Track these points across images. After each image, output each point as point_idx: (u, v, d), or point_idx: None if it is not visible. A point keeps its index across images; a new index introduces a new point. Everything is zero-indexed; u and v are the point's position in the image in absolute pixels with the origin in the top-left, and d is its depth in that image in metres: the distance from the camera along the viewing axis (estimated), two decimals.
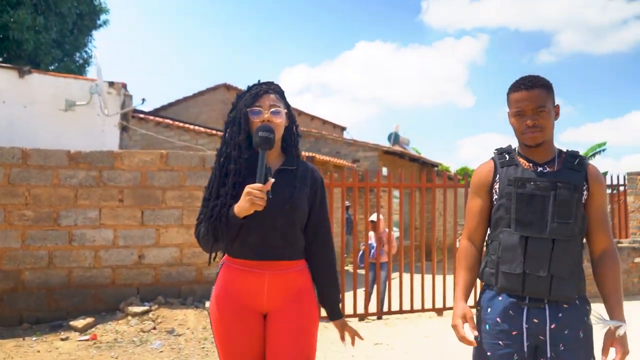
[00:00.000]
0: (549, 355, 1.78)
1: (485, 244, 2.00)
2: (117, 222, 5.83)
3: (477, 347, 1.86)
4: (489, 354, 1.84)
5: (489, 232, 1.98)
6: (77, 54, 17.74)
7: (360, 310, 6.93)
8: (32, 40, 14.41)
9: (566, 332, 1.78)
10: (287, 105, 2.06)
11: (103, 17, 17.93)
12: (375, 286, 7.28)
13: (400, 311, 6.99)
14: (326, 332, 5.79)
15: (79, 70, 16.89)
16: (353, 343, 2.08)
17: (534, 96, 1.82)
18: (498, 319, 1.84)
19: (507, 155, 1.93)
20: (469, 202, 2.03)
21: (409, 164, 15.58)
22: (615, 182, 9.39)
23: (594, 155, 18.96)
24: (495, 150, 2.00)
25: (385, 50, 79.91)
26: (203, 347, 4.85)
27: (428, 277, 7.24)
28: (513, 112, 1.87)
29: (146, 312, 5.48)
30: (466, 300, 1.91)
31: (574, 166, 1.86)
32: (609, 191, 9.91)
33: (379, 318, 6.92)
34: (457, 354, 4.95)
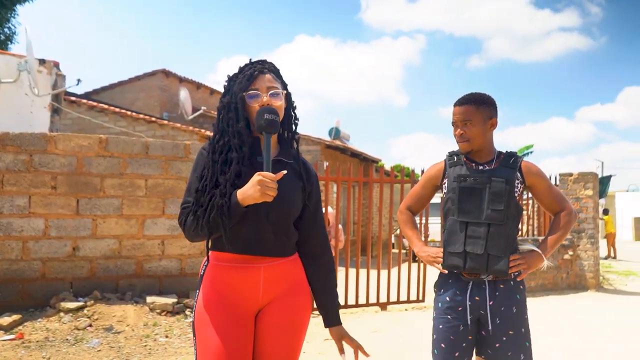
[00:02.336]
0: (489, 327, 2.17)
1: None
2: (49, 210, 5.38)
3: (434, 322, 2.28)
4: (440, 327, 2.23)
5: (442, 222, 2.38)
6: None
7: None
8: None
9: (502, 308, 2.16)
10: (285, 85, 1.89)
11: None
12: None
13: (346, 306, 6.96)
14: None
15: (1, 46, 15.65)
16: (357, 358, 1.93)
17: (463, 111, 2.21)
18: (447, 298, 2.23)
19: (455, 157, 2.31)
20: (415, 187, 2.45)
21: (350, 159, 15.65)
22: None
23: (522, 157, 19.97)
24: (447, 153, 2.35)
25: (324, 45, 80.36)
26: (145, 345, 4.56)
27: (373, 272, 7.25)
28: (451, 122, 2.26)
29: (81, 308, 5.09)
30: (426, 244, 2.39)
31: (509, 164, 2.23)
32: None
33: None
34: (408, 348, 4.97)
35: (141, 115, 11.43)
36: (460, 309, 2.19)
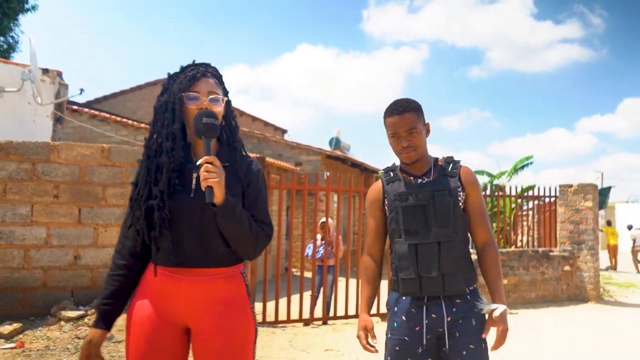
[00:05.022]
0: (447, 344, 2.01)
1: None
2: (51, 219, 5.39)
3: (388, 342, 2.10)
4: (397, 348, 2.06)
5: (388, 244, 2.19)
6: (2, 39, 16.54)
7: (306, 315, 6.84)
8: None
9: (460, 321, 2.01)
10: (226, 92, 1.83)
11: (32, 1, 16.88)
12: (321, 290, 7.21)
13: (346, 316, 6.96)
14: (274, 337, 5.64)
15: (3, 55, 15.74)
16: None
17: (405, 120, 2.04)
18: (403, 317, 2.06)
19: (391, 173, 2.16)
20: (368, 221, 2.24)
21: (350, 169, 15.68)
22: (542, 194, 9.87)
23: (522, 167, 19.89)
24: (382, 169, 2.22)
25: (326, 55, 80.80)
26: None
27: None
28: (389, 134, 2.08)
29: (81, 317, 5.09)
30: (368, 312, 2.15)
31: (448, 172, 2.09)
32: (536, 202, 10.42)
33: (325, 323, 6.85)
34: None
35: (143, 125, 11.48)
36: (417, 328, 2.03)
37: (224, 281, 1.70)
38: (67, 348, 4.57)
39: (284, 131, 21.53)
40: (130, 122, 11.53)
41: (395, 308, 2.10)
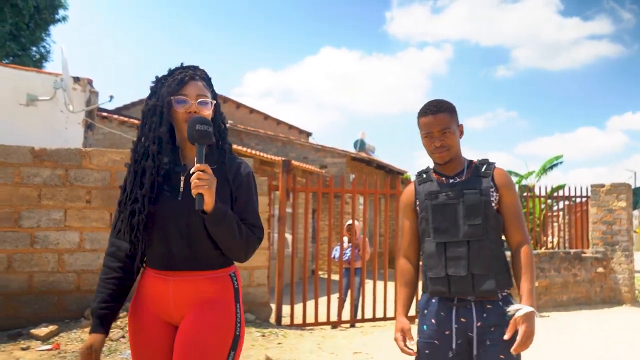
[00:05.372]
0: (476, 350, 1.97)
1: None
2: (84, 224, 5.52)
3: (418, 346, 2.08)
4: (427, 352, 2.04)
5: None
6: (34, 49, 17.03)
7: (334, 317, 6.84)
8: None
9: (492, 329, 1.95)
10: (214, 95, 1.81)
11: (62, 12, 17.34)
12: (349, 292, 7.20)
13: (374, 319, 6.94)
14: (302, 340, 5.65)
15: (35, 65, 16.17)
16: None
17: (439, 120, 2.04)
18: (433, 320, 2.04)
19: (424, 175, 2.16)
20: (401, 223, 2.25)
21: (375, 171, 15.64)
22: (573, 194, 9.66)
23: (551, 167, 19.51)
24: (417, 172, 2.22)
25: (350, 57, 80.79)
26: None
27: None
28: (423, 134, 2.08)
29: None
30: (405, 314, 2.13)
31: (481, 173, 2.06)
32: (567, 203, 10.21)
33: (352, 325, 6.83)
34: None
35: None
36: (447, 332, 2.00)
37: (210, 282, 1.70)
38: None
39: (308, 134, 21.61)
40: None
41: (425, 311, 2.09)
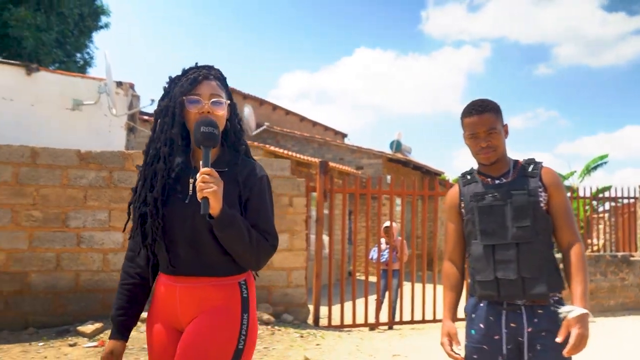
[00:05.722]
0: (526, 356, 1.92)
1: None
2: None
3: (466, 351, 2.03)
4: (475, 357, 1.99)
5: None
6: (79, 55, 17.62)
7: (372, 319, 6.80)
8: (32, 38, 14.25)
9: (543, 334, 1.90)
10: (230, 95, 1.75)
11: (104, 19, 17.89)
12: (386, 294, 7.15)
13: (412, 321, 6.86)
14: (341, 342, 5.64)
15: (80, 70, 16.73)
16: None
17: (485, 120, 1.99)
18: (481, 325, 1.99)
19: (468, 176, 2.11)
20: (446, 225, 2.19)
21: (412, 172, 15.48)
22: (619, 195, 9.31)
23: (595, 168, 18.86)
24: (460, 174, 2.17)
25: (385, 57, 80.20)
26: None
27: (440, 288, 7.11)
28: (468, 135, 2.04)
29: (143, 321, 5.30)
30: (451, 318, 2.08)
31: (529, 173, 2.00)
32: (613, 204, 9.85)
33: (390, 328, 6.78)
34: None
35: None
36: (496, 337, 1.95)
37: (216, 289, 1.61)
38: (144, 347, 4.77)
39: (344, 135, 21.59)
40: None
41: (473, 315, 2.04)
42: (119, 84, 8.11)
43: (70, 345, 4.76)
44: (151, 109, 15.65)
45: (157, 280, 1.72)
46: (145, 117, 12.11)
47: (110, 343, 1.71)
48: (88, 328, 5.04)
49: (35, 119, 7.21)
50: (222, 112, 1.67)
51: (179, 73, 1.73)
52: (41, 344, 4.78)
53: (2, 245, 5.22)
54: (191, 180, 1.62)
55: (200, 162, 1.54)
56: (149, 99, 8.41)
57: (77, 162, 5.55)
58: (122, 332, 1.71)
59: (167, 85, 1.72)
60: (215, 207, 1.49)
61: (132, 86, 8.37)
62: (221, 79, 1.73)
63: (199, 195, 1.49)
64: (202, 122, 1.57)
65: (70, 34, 16.48)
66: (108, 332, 5.08)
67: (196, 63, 1.74)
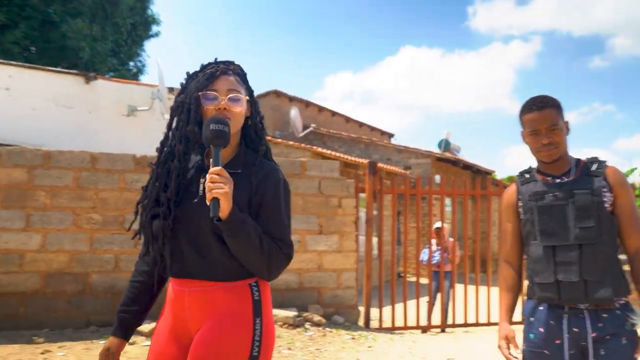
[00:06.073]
0: None
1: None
2: None
3: (525, 355, 1.96)
4: None
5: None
6: (131, 63, 18.29)
7: (424, 321, 6.69)
8: (89, 49, 14.88)
9: (608, 337, 1.83)
10: (250, 91, 1.66)
11: (155, 28, 18.50)
12: (438, 296, 7.02)
13: (465, 324, 6.71)
14: (393, 344, 5.57)
15: (133, 78, 17.35)
16: None
17: (546, 116, 1.93)
18: (541, 329, 1.92)
19: (527, 175, 2.05)
20: (501, 225, 2.12)
21: (461, 171, 15.17)
22: None
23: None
24: (518, 172, 2.10)
25: (430, 55, 79.11)
26: None
27: (493, 290, 6.92)
28: (528, 132, 1.97)
29: None
30: (509, 321, 2.01)
31: (592, 172, 1.93)
32: None
33: (443, 330, 6.65)
34: None
35: None
36: (558, 341, 1.89)
37: (225, 293, 1.52)
38: None
39: (390, 135, 21.41)
40: None
41: (532, 318, 1.97)
42: (171, 89, 8.34)
43: (130, 344, 4.92)
44: None
45: (169, 283, 1.65)
46: None
47: (109, 340, 1.66)
48: (146, 327, 5.18)
49: (93, 125, 7.51)
50: (239, 109, 1.58)
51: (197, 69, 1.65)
52: (102, 341, 4.95)
53: (65, 247, 5.45)
54: (202, 181, 1.54)
55: (211, 161, 1.46)
56: None
57: (133, 167, 5.74)
58: (122, 330, 1.66)
59: (184, 81, 1.64)
60: (224, 209, 1.40)
61: None
62: (241, 74, 1.65)
63: (207, 197, 1.40)
64: (212, 120, 1.49)
65: (123, 43, 17.13)
66: None
67: (215, 59, 1.66)
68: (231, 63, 1.65)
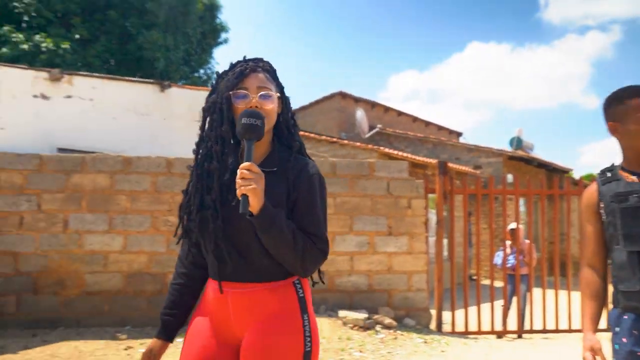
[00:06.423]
0: None
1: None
2: None
3: None
4: None
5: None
6: (202, 71, 18.98)
7: (498, 326, 6.44)
8: (163, 58, 15.59)
9: None
10: (281, 88, 1.65)
11: (223, 35, 19.10)
12: (514, 300, 6.73)
13: (544, 330, 6.39)
14: (468, 350, 5.40)
15: (203, 85, 18.00)
16: None
17: None
18: (624, 339, 1.79)
19: (608, 173, 1.90)
20: (582, 228, 1.98)
21: (535, 170, 14.52)
22: None
23: None
24: (599, 171, 1.96)
25: (499, 51, 76.47)
26: (341, 358, 4.71)
27: (574, 294, 6.54)
28: (636, 118, 1.80)
29: None
30: (594, 331, 1.87)
31: None
32: None
33: (519, 336, 6.37)
34: None
35: (323, 137, 12.10)
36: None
37: (270, 294, 1.52)
38: None
39: (458, 134, 20.87)
40: (311, 135, 12.23)
41: (617, 328, 1.84)
42: None
43: None
44: None
45: (207, 285, 1.63)
46: None
47: (152, 341, 1.67)
48: None
49: (167, 131, 7.83)
50: (271, 106, 1.56)
51: (227, 68, 1.64)
52: (179, 339, 5.14)
53: (144, 248, 5.72)
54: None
55: (244, 157, 1.45)
56: None
57: None
58: (165, 332, 1.66)
59: (214, 82, 1.64)
60: (254, 205, 1.40)
61: None
62: (270, 71, 1.64)
63: (237, 193, 1.40)
64: (244, 113, 1.48)
65: (194, 52, 17.81)
66: None
67: (244, 57, 1.65)
68: (260, 60, 1.64)
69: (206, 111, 1.61)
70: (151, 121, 7.78)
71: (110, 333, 5.20)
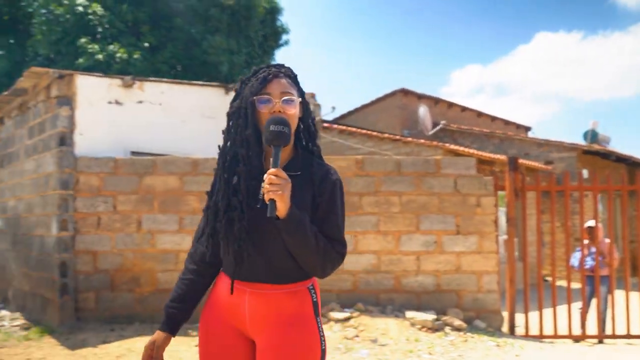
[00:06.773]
0: None
1: None
2: None
3: None
4: None
5: None
6: None
7: (576, 330, 6.09)
8: (227, 62, 15.98)
9: None
10: (302, 93, 1.69)
11: (284, 37, 19.32)
12: (592, 304, 6.34)
13: (628, 335, 5.97)
14: (544, 355, 5.14)
15: None
16: None
17: None
18: None
19: None
20: None
21: (613, 164, 13.67)
22: None
23: None
24: None
25: (568, 40, 72.73)
26: None
27: None
28: None
29: (347, 319, 5.44)
30: None
31: None
32: None
33: (600, 342, 5.99)
34: None
35: (386, 135, 11.95)
36: None
37: (288, 297, 1.59)
38: (338, 347, 4.91)
39: (527, 129, 20.02)
40: (374, 133, 12.13)
41: None
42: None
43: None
44: (329, 115, 16.45)
45: (219, 281, 1.70)
46: (325, 125, 12.68)
47: (155, 333, 1.72)
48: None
49: None
50: (293, 111, 1.63)
51: (250, 74, 1.71)
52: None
53: None
54: (263, 185, 1.57)
55: (271, 162, 1.52)
56: (330, 107, 8.76)
57: None
58: (169, 325, 1.71)
59: (238, 87, 1.70)
60: (281, 209, 1.47)
61: (313, 96, 8.81)
62: (292, 76, 1.70)
63: (265, 197, 1.47)
64: (271, 120, 1.55)
65: (255, 55, 18.12)
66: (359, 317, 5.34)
67: (267, 64, 1.72)
68: (282, 66, 1.71)
69: (231, 116, 1.68)
70: (217, 123, 7.95)
71: (182, 329, 5.36)
